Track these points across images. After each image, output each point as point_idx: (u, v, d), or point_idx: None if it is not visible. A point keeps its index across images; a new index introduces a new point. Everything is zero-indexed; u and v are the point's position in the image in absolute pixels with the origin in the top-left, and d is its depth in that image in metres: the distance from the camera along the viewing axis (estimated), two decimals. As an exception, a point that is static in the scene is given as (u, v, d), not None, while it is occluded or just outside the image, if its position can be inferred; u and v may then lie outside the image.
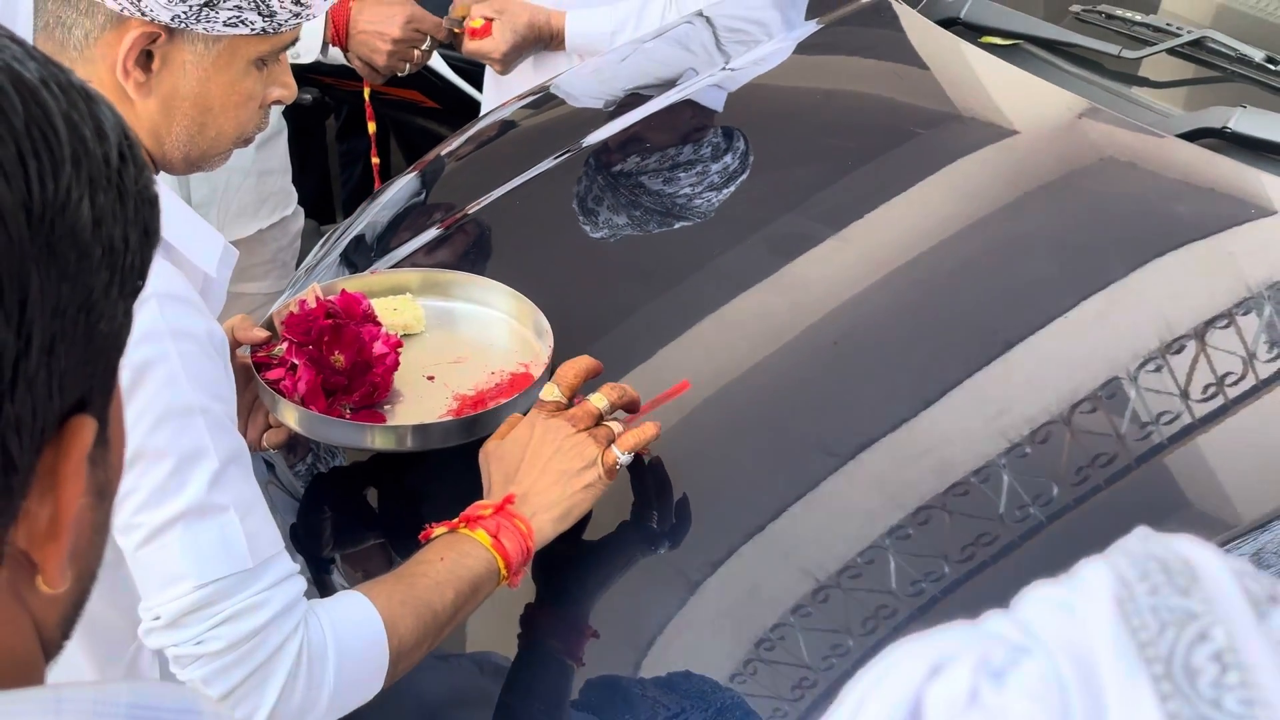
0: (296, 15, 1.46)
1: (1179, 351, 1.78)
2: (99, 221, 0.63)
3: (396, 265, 2.14)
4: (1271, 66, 2.14)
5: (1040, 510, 1.62)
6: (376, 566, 1.74)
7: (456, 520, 1.53)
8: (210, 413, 1.37)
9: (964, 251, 2.04)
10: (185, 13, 1.39)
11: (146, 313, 1.32)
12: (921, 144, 2.28)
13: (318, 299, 1.76)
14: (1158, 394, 1.75)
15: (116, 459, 0.70)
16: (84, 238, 0.62)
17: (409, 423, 1.73)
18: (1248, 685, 0.44)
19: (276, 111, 2.92)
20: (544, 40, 2.80)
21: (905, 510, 1.64)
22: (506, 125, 2.57)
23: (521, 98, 2.63)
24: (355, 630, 1.42)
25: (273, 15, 1.44)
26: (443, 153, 2.52)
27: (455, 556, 1.48)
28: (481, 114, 3.06)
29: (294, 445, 1.88)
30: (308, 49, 2.73)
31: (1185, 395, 1.74)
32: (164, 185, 1.46)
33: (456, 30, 2.83)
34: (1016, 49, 2.39)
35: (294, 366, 1.70)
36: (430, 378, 1.83)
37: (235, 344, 1.71)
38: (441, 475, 1.79)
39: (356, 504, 1.91)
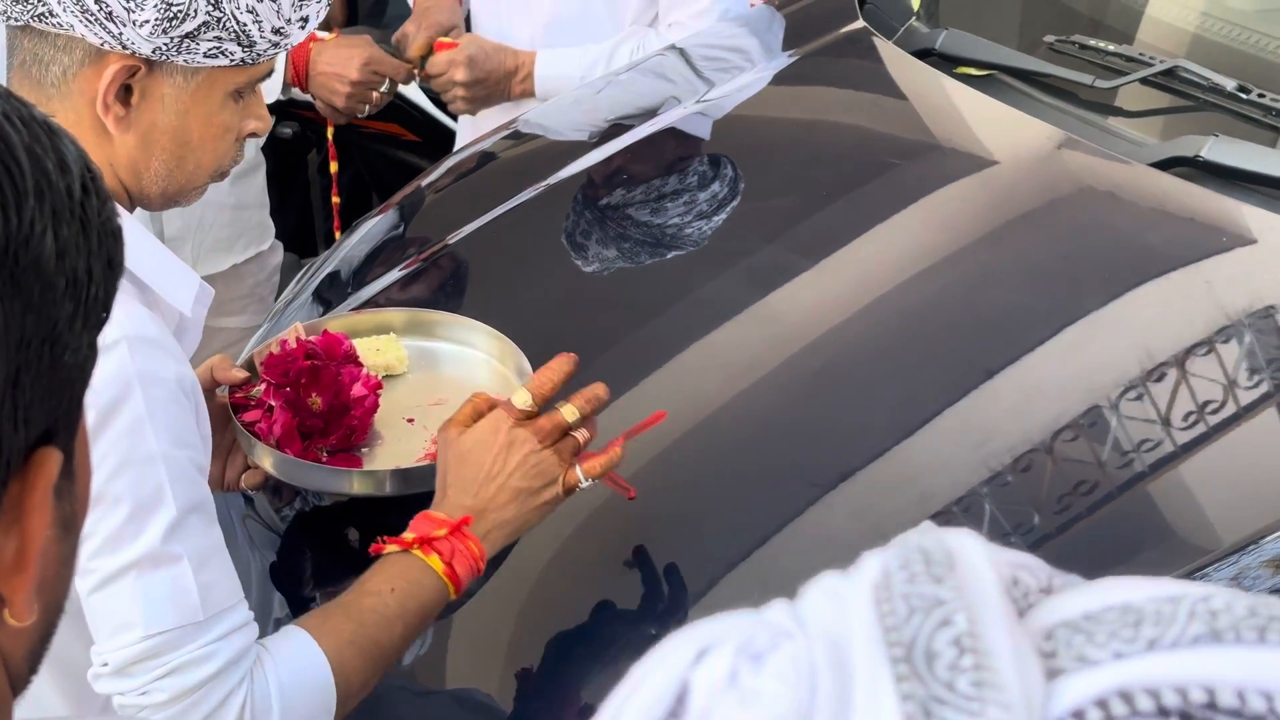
0: (275, 45, 1.45)
1: (1159, 379, 1.80)
2: (62, 254, 0.63)
3: (374, 299, 2.14)
4: (1243, 96, 2.16)
5: (1022, 539, 1.63)
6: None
7: (411, 539, 1.49)
8: (173, 461, 1.35)
9: (942, 281, 2.05)
10: (166, 45, 1.38)
11: (115, 356, 1.31)
12: (898, 175, 2.29)
13: (299, 339, 1.75)
14: (1138, 421, 1.77)
15: (82, 491, 0.70)
16: (48, 270, 0.62)
17: (386, 466, 1.71)
18: (981, 668, 0.45)
19: (253, 145, 2.93)
20: (511, 71, 2.80)
21: (887, 540, 1.63)
22: (485, 157, 2.57)
23: (499, 130, 2.64)
24: (301, 679, 1.40)
25: (252, 45, 1.43)
26: (420, 185, 2.52)
27: (406, 587, 1.46)
28: (457, 146, 3.07)
29: (274, 485, 1.88)
30: (268, 89, 2.74)
31: (1166, 422, 1.75)
32: (139, 224, 1.49)
33: (417, 71, 2.84)
34: (991, 79, 2.41)
35: (271, 408, 1.68)
36: (410, 420, 1.81)
37: (214, 384, 1.70)
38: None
39: (336, 542, 1.89)
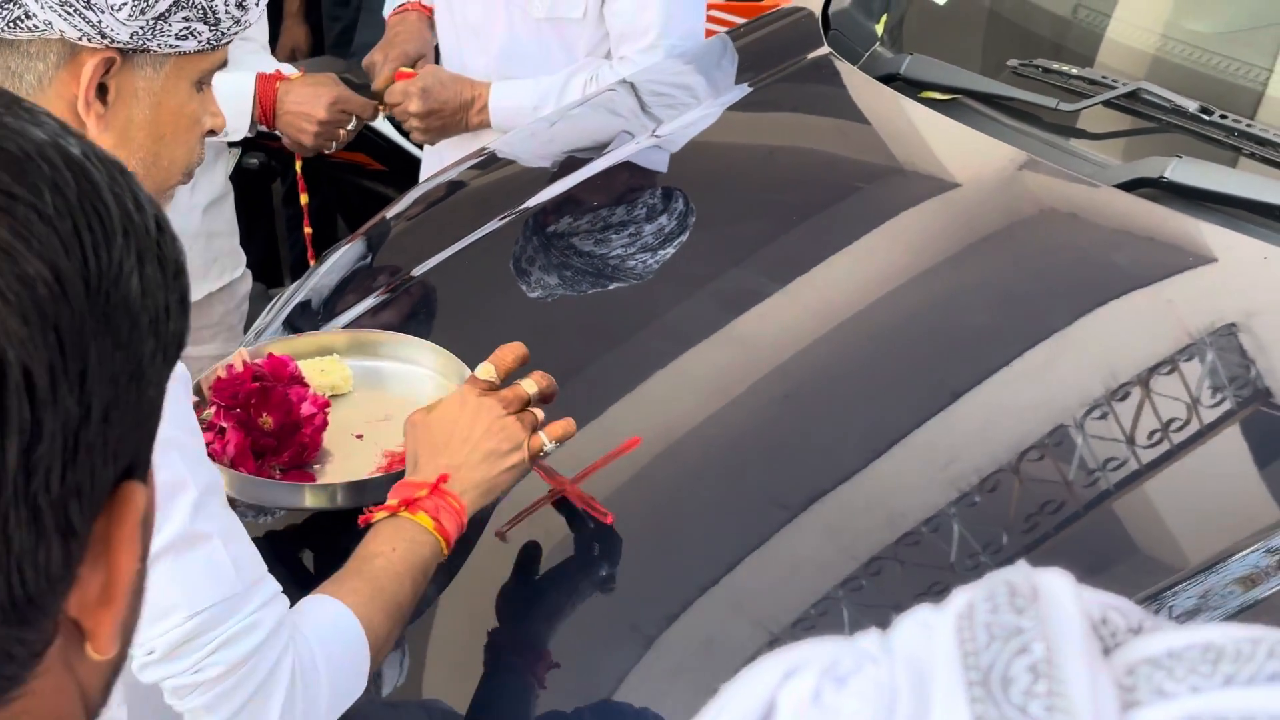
0: (236, 22, 1.49)
1: (1124, 399, 1.81)
2: (146, 291, 0.64)
3: (346, 328, 2.14)
4: (1205, 117, 2.18)
5: (990, 558, 1.64)
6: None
7: (395, 504, 1.55)
8: (184, 445, 1.38)
9: (910, 303, 2.06)
10: (142, 29, 1.41)
11: None
12: (866, 198, 2.30)
13: (244, 363, 1.78)
14: (1103, 440, 1.77)
15: (152, 522, 0.71)
16: (134, 307, 0.63)
17: (339, 480, 1.74)
18: (1055, 694, 0.46)
19: (221, 173, 2.94)
20: (467, 103, 2.81)
21: (857, 561, 1.65)
22: (451, 188, 2.57)
23: (464, 160, 2.64)
24: (337, 637, 1.44)
25: (218, 23, 1.47)
26: (388, 216, 2.52)
27: (405, 544, 1.52)
28: (422, 176, 3.07)
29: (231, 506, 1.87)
30: (236, 128, 2.74)
31: (1131, 441, 1.76)
32: None
33: (381, 107, 2.85)
34: (956, 104, 2.42)
35: (222, 430, 1.70)
36: (359, 436, 1.84)
37: None
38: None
39: (292, 564, 1.90)
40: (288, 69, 2.85)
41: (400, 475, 1.69)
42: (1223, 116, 2.16)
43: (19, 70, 1.42)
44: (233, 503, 1.79)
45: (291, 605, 1.45)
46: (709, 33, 3.11)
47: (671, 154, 2.55)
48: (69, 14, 1.38)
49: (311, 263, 2.82)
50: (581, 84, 2.80)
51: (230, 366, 1.77)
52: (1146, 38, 2.45)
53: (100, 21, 1.39)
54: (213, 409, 1.73)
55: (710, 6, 4.19)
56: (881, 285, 2.08)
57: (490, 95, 2.81)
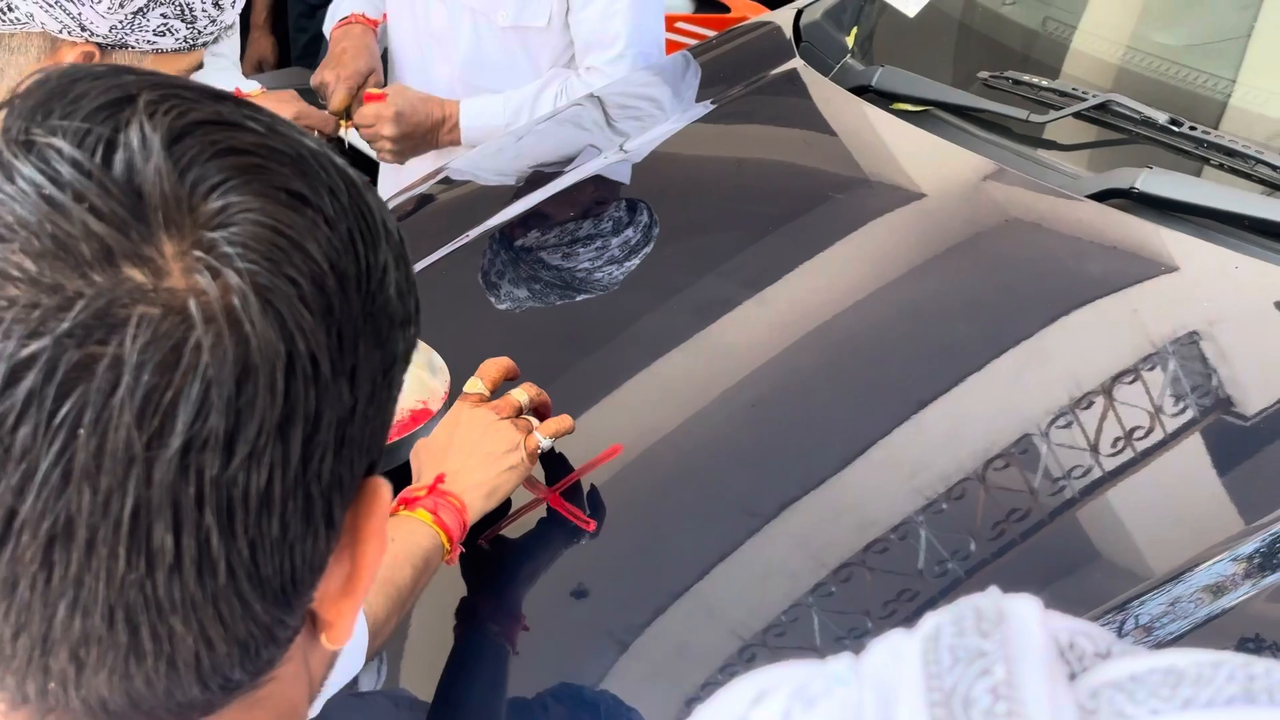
0: (213, 21, 1.50)
1: (1093, 408, 1.81)
2: (400, 293, 0.67)
3: None
4: (1175, 129, 2.18)
5: (959, 565, 1.64)
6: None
7: (394, 504, 1.56)
8: None
9: (882, 314, 2.06)
10: (121, 21, 1.43)
11: None
12: (839, 209, 2.30)
13: None
14: (1072, 449, 1.77)
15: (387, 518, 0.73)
16: (392, 308, 0.66)
17: None
18: (1014, 715, 0.47)
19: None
20: (437, 122, 2.81)
21: (827, 568, 1.65)
22: (419, 203, 2.57)
23: (428, 177, 2.63)
24: None
25: (194, 21, 1.48)
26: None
27: (404, 536, 1.53)
28: (379, 188, 3.06)
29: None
30: None
31: (1099, 450, 1.76)
32: None
33: (344, 122, 2.84)
34: (928, 115, 2.42)
35: None
36: None
37: None
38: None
39: None
40: (249, 85, 2.84)
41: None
42: (1192, 128, 2.17)
43: (1, 65, 1.42)
44: None
45: None
46: (679, 45, 3.11)
47: (643, 167, 2.54)
48: (50, 5, 1.40)
49: None
50: (552, 98, 2.80)
51: None
52: (1115, 50, 2.45)
53: (80, 14, 1.40)
54: None
55: (679, 19, 4.21)
56: (855, 296, 2.08)
57: (461, 114, 2.80)
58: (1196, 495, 1.75)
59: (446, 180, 2.59)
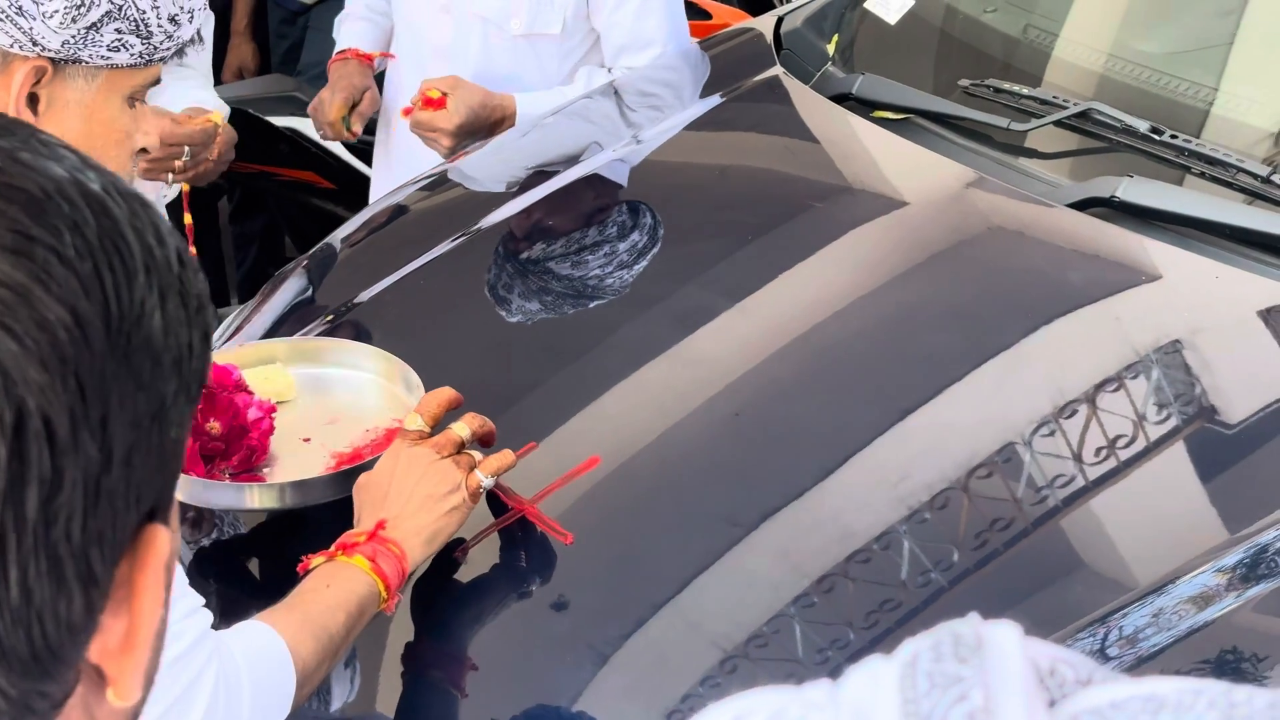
0: (170, 36, 1.49)
1: (1077, 418, 1.80)
2: (169, 329, 0.62)
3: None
4: (1156, 137, 2.18)
5: (942, 575, 1.63)
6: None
7: (332, 549, 1.55)
8: None
9: (864, 323, 2.06)
10: (73, 38, 1.42)
11: None
12: (820, 217, 2.30)
13: None
14: (1052, 458, 1.77)
15: (174, 566, 0.69)
16: (157, 346, 0.61)
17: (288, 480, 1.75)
18: None
19: (161, 203, 2.88)
20: (495, 122, 2.77)
21: (809, 578, 1.65)
22: (401, 210, 2.56)
23: (417, 180, 2.61)
24: (264, 657, 1.43)
25: (150, 37, 1.47)
26: (340, 237, 2.50)
27: (340, 582, 1.51)
28: (372, 194, 3.05)
29: (181, 513, 1.86)
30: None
31: (1078, 460, 1.75)
32: None
33: (348, 132, 2.82)
34: (908, 123, 2.42)
35: None
36: (307, 440, 1.85)
37: None
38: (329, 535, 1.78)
39: (243, 569, 1.90)
40: (216, 104, 2.78)
41: (347, 473, 1.70)
42: (1173, 136, 2.17)
43: None
44: (184, 508, 1.80)
45: (231, 624, 1.44)
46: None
47: (628, 172, 2.54)
48: (1, 20, 1.40)
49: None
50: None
51: None
52: (1096, 58, 2.45)
53: (32, 29, 1.40)
54: None
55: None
56: (836, 305, 2.07)
57: (518, 104, 2.76)
58: (1180, 506, 1.75)
59: (432, 186, 2.58)
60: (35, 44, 1.41)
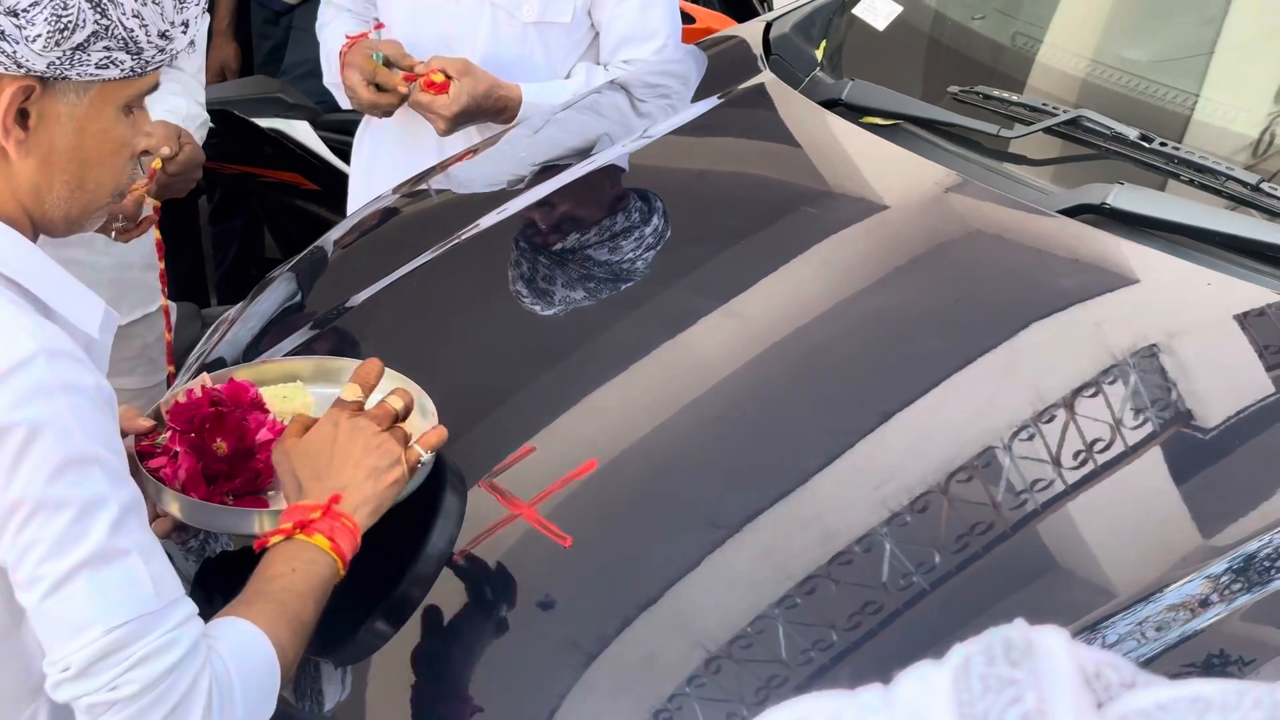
0: (161, 50, 1.47)
1: (1064, 424, 1.80)
2: None
3: (289, 354, 2.12)
4: (1145, 144, 2.18)
5: (923, 578, 1.63)
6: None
7: (290, 527, 1.55)
8: (105, 462, 1.38)
9: (854, 329, 2.06)
10: (59, 59, 1.40)
11: (35, 368, 1.35)
12: (809, 222, 2.29)
13: (204, 388, 1.78)
14: (1040, 464, 1.76)
15: None
16: None
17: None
18: None
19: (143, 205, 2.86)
20: (498, 110, 2.74)
21: (793, 580, 1.65)
22: (390, 213, 2.55)
23: (407, 184, 2.60)
24: (251, 657, 1.45)
25: (140, 52, 1.45)
26: (333, 239, 2.49)
27: (304, 566, 1.53)
28: (350, 194, 3.01)
29: (184, 528, 1.85)
30: None
31: (1065, 466, 1.75)
32: (41, 251, 1.49)
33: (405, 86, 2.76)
34: (898, 129, 2.41)
35: (175, 454, 1.71)
36: None
37: (121, 434, 1.69)
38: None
39: (211, 555, 1.88)
40: (193, 116, 2.75)
41: None
42: (1162, 144, 2.16)
43: None
44: (183, 529, 1.80)
45: (206, 617, 1.44)
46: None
47: (620, 178, 2.53)
48: None
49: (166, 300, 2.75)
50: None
51: (190, 391, 1.78)
52: (1083, 64, 2.45)
53: (15, 52, 1.38)
54: (168, 433, 1.74)
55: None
56: (824, 309, 2.07)
57: (524, 94, 2.73)
58: (1168, 512, 1.74)
59: (420, 192, 2.57)
60: (20, 66, 1.39)
